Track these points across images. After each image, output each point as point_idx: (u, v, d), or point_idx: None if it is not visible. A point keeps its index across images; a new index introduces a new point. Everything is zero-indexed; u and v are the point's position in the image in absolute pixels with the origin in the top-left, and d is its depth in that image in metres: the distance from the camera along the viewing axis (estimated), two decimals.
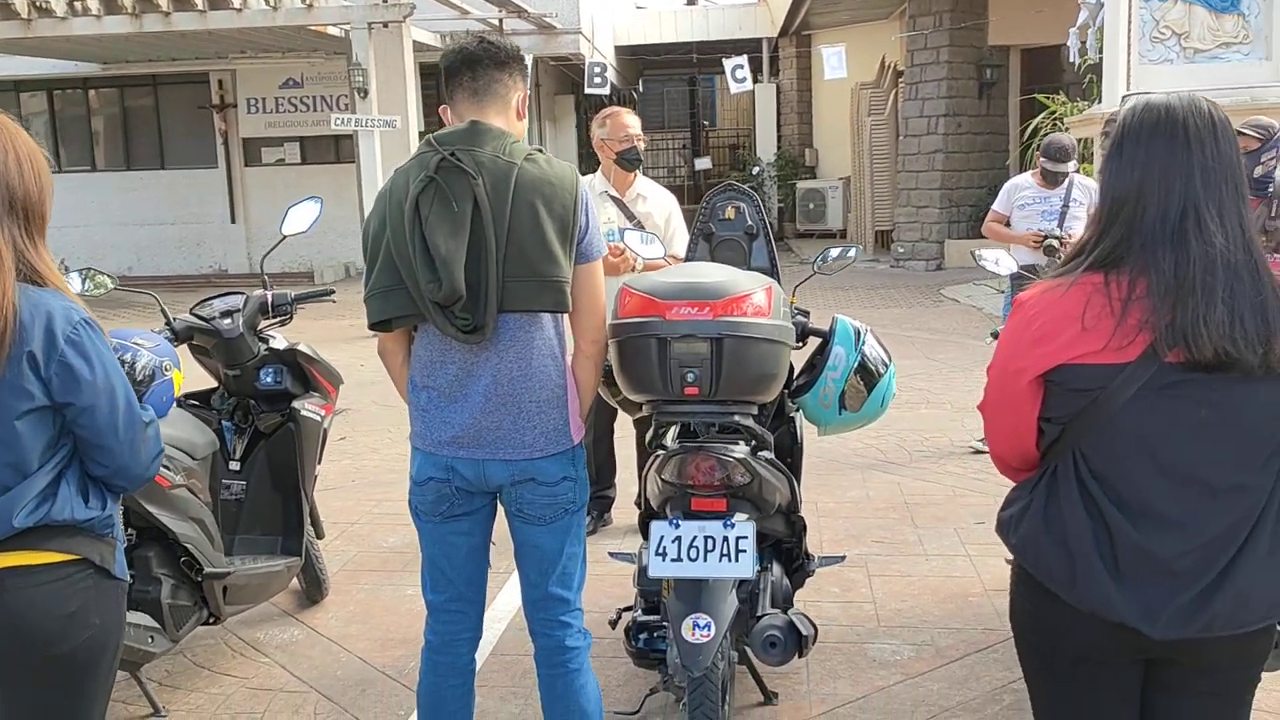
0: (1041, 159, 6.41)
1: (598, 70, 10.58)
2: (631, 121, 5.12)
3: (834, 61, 11.01)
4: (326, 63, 16.31)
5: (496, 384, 2.56)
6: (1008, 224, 6.55)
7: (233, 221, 17.74)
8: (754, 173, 20.87)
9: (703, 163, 21.92)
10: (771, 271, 3.68)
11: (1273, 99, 9.24)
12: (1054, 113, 12.34)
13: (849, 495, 5.73)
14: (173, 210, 17.71)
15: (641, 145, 5.04)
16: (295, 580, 4.30)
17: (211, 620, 3.71)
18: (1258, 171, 5.28)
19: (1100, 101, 9.93)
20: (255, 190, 17.53)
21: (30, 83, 17.47)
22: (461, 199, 2.46)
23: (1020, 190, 6.50)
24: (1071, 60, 11.26)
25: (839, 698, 3.59)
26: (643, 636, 3.18)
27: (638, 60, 24.70)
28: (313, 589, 4.40)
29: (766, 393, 2.87)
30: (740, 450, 2.98)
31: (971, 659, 3.81)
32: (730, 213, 3.77)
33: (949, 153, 15.35)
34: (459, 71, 2.60)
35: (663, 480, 3.05)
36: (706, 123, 26.73)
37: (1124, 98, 2.08)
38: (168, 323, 3.87)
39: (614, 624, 3.39)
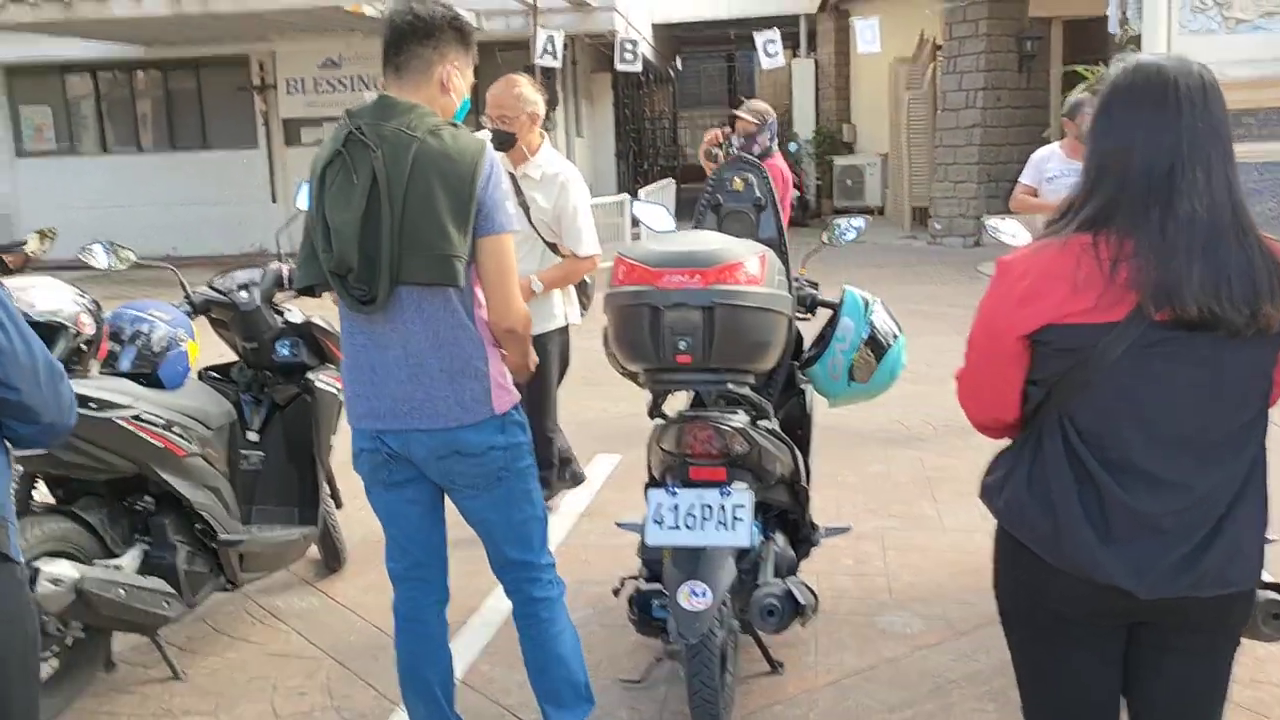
0: (1065, 120, 6.34)
1: (628, 46, 10.56)
2: (505, 94, 4.24)
3: (867, 35, 10.89)
4: (364, 42, 16.38)
5: (406, 355, 2.59)
6: (1036, 196, 6.46)
7: (273, 201, 17.91)
8: (791, 149, 20.71)
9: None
10: (779, 243, 3.67)
11: None
12: (1091, 85, 12.15)
13: (871, 469, 5.72)
14: (216, 190, 17.90)
15: (520, 125, 4.21)
16: (315, 549, 4.38)
17: (229, 586, 3.79)
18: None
19: None
20: (296, 170, 17.65)
21: (76, 65, 17.71)
22: (361, 171, 2.50)
23: (1047, 161, 6.40)
24: (1112, 31, 11.08)
25: (845, 668, 3.60)
26: (644, 605, 3.21)
27: (675, 38, 24.60)
28: (331, 558, 4.48)
29: (761, 361, 2.87)
30: (739, 419, 2.99)
31: (982, 632, 3.80)
32: (738, 184, 3.76)
33: (987, 127, 15.15)
34: (386, 45, 2.63)
35: (662, 449, 3.07)
36: (744, 99, 26.60)
37: (1115, 59, 2.06)
38: (186, 296, 3.94)
39: (617, 592, 3.41)
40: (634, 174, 21.83)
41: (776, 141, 6.58)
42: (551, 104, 16.97)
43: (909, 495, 5.30)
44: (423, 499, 2.76)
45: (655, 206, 3.98)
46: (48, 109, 18.15)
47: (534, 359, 2.79)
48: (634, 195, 15.41)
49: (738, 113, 6.55)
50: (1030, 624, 2.08)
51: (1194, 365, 1.85)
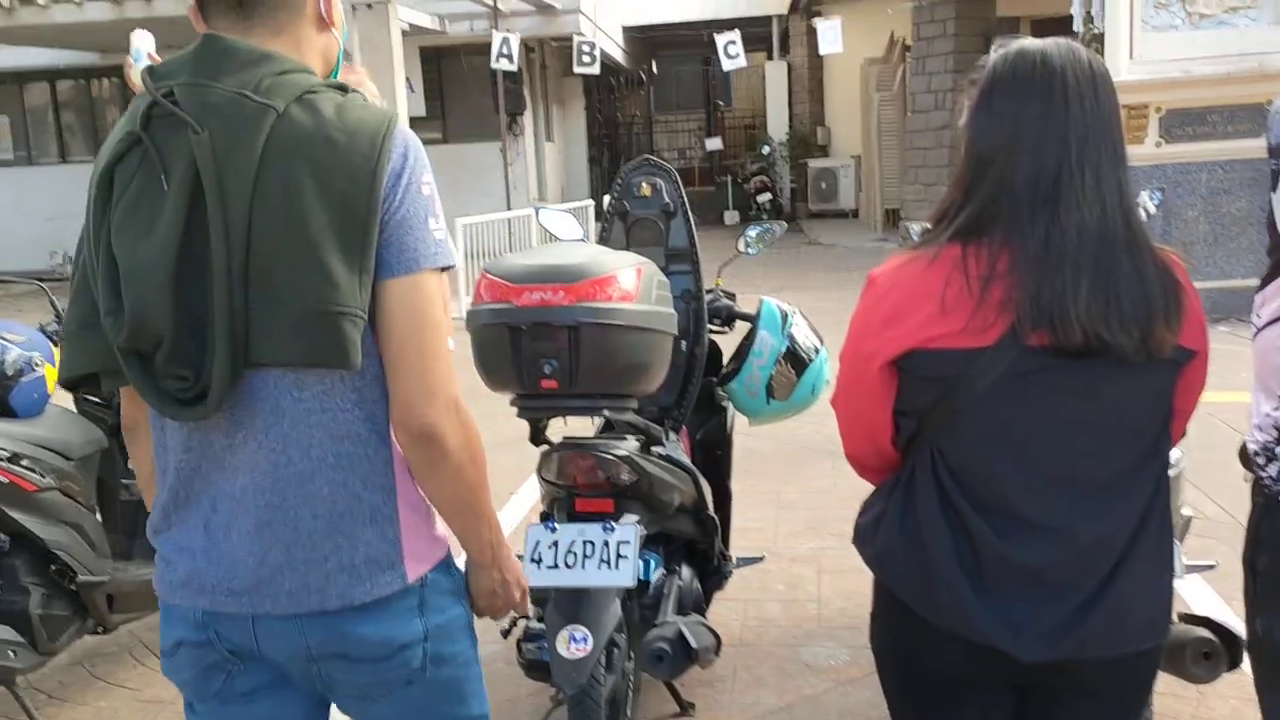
0: None
1: (586, 49, 10.30)
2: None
3: (829, 36, 10.65)
4: None
5: (258, 487, 1.54)
6: None
7: None
8: (765, 152, 20.53)
9: (713, 143, 21.62)
10: (690, 253, 3.42)
11: None
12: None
13: (816, 485, 5.47)
14: None
15: None
16: None
17: (100, 630, 3.51)
18: None
19: None
20: None
21: (32, 74, 17.41)
22: (174, 170, 1.46)
23: None
24: (1076, 30, 10.88)
25: (761, 708, 3.34)
26: (531, 647, 2.94)
27: (649, 40, 24.37)
28: None
29: (639, 384, 2.59)
30: (625, 447, 2.74)
31: None
32: (646, 189, 3.49)
33: (957, 129, 14.96)
34: None
35: (545, 480, 2.81)
36: (721, 103, 26.37)
37: (996, 44, 1.81)
38: (57, 316, 3.67)
39: (505, 634, 3.15)
40: (606, 178, 21.61)
41: None
42: (517, 108, 16.75)
43: (853, 513, 5.02)
44: (290, 714, 1.71)
45: (562, 214, 3.72)
46: (5, 118, 17.83)
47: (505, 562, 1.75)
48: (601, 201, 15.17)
49: None
50: (906, 683, 1.83)
51: (1076, 396, 1.60)
